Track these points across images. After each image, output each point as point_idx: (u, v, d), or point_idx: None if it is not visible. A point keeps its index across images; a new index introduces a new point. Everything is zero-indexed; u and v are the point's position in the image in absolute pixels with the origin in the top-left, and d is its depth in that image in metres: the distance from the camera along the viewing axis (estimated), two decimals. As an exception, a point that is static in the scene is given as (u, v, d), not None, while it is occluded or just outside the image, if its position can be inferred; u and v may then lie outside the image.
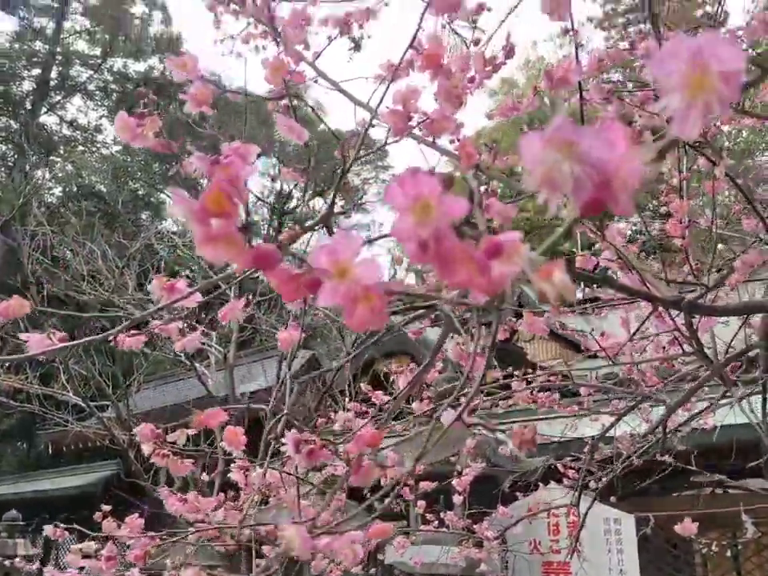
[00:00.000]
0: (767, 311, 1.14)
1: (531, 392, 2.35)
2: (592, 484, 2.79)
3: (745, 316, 1.60)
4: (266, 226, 17.53)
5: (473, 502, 2.98)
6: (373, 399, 2.40)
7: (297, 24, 1.33)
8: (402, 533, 3.22)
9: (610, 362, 1.79)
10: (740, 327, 1.78)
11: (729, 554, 6.12)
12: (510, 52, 0.89)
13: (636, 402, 2.16)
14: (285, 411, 0.93)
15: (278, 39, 1.53)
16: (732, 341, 1.77)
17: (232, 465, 1.15)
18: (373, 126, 1.53)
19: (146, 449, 1.08)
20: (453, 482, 2.77)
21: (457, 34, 1.05)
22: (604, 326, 2.71)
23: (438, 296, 0.52)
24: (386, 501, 0.95)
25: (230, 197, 0.38)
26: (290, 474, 1.08)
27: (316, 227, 0.77)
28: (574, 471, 3.07)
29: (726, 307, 1.10)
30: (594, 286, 2.25)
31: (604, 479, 2.76)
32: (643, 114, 1.60)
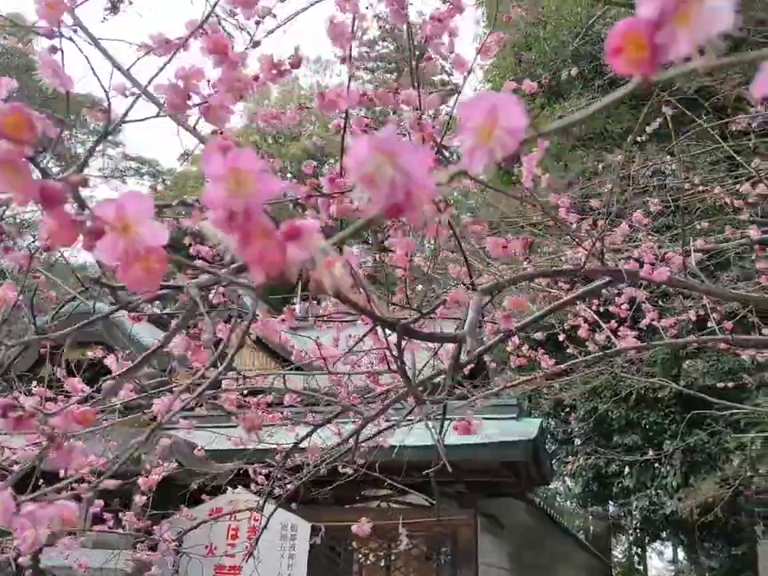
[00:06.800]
0: (456, 341, 1.33)
1: (240, 395, 2.39)
2: (277, 491, 2.89)
3: (438, 345, 1.85)
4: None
5: (158, 502, 2.88)
6: (66, 386, 2.20)
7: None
8: (70, 533, 2.96)
9: (324, 372, 1.91)
10: (432, 356, 2.04)
11: (383, 563, 6.78)
12: (296, 63, 0.94)
13: (335, 413, 2.32)
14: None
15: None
16: (423, 366, 2.03)
17: None
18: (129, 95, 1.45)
19: None
20: (139, 481, 2.65)
21: (243, 29, 1.06)
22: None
23: (216, 273, 0.53)
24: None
25: (31, 122, 0.35)
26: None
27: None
28: (263, 477, 3.15)
29: (431, 334, 1.27)
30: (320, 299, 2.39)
31: (290, 486, 2.89)
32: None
